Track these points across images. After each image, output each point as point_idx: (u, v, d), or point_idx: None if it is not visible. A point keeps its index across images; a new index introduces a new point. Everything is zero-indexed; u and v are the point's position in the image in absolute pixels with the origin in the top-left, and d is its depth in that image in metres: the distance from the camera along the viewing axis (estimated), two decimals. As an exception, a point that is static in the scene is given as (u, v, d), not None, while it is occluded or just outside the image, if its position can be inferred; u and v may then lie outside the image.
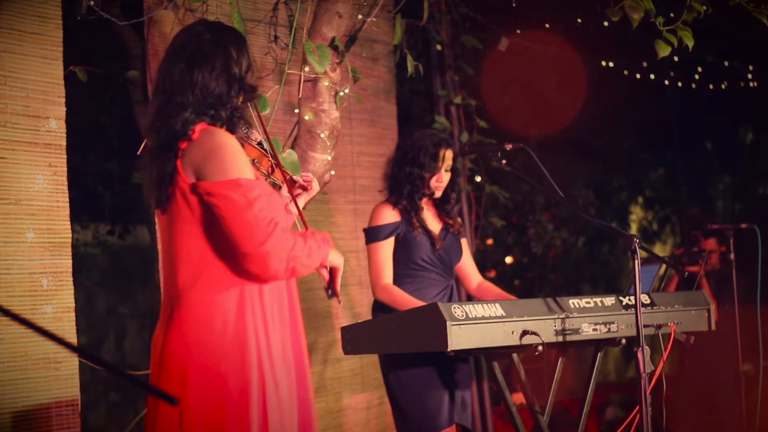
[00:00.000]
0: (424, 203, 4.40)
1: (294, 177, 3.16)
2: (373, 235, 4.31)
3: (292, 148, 4.30)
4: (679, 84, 8.11)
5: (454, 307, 3.55)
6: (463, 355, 4.02)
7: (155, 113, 2.85)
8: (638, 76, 7.82)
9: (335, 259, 2.99)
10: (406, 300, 4.17)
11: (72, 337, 3.95)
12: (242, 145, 2.87)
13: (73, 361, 3.91)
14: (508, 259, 9.36)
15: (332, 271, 3.02)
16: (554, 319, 3.74)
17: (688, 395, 6.62)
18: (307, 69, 4.28)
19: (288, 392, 2.85)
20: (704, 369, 6.56)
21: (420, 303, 4.12)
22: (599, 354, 4.03)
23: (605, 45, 7.39)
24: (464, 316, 3.54)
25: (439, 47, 6.47)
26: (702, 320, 4.19)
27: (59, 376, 3.88)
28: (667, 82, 8.06)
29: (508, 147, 4.12)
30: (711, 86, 8.23)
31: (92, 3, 4.01)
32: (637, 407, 3.57)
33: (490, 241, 8.97)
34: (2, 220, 3.77)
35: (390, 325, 3.72)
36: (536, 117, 8.45)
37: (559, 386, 4.08)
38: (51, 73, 3.95)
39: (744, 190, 11.01)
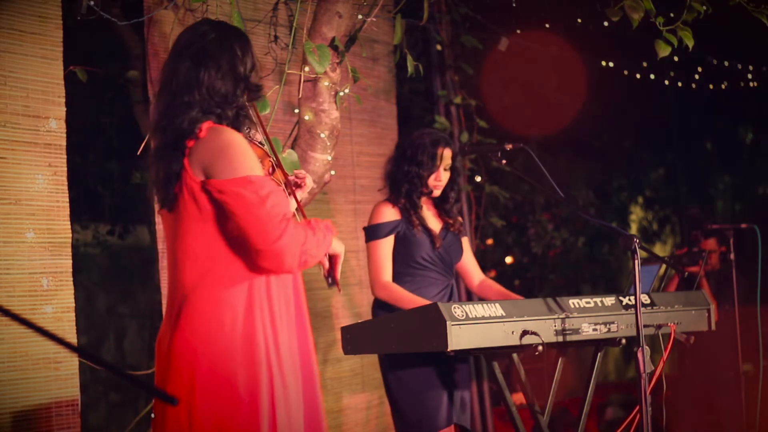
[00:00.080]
0: (424, 202, 4.40)
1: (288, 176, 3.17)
2: (372, 233, 4.31)
3: (292, 148, 4.31)
4: (679, 84, 8.11)
5: (454, 307, 3.55)
6: (463, 355, 4.02)
7: (161, 112, 2.84)
8: (638, 76, 7.82)
9: (336, 246, 2.99)
10: (405, 297, 4.17)
11: (72, 337, 3.95)
12: None
13: (73, 361, 3.91)
14: (508, 259, 9.36)
15: (332, 259, 3.02)
16: (554, 319, 3.74)
17: (688, 395, 6.62)
18: (307, 69, 4.28)
19: (295, 391, 2.85)
20: (704, 369, 6.56)
21: (419, 299, 4.13)
22: (599, 354, 4.03)
23: (605, 45, 7.39)
24: (464, 316, 3.54)
25: (439, 47, 6.47)
26: (702, 320, 4.19)
27: (59, 376, 3.88)
28: (667, 82, 8.06)
29: (508, 147, 4.12)
30: (711, 86, 8.23)
31: (92, 3, 4.01)
32: (637, 407, 3.57)
33: (490, 241, 8.97)
34: (2, 220, 3.77)
35: (390, 325, 3.72)
36: (536, 117, 8.45)
37: (559, 386, 4.08)
38: (51, 73, 3.95)
39: (744, 190, 11.01)
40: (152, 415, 2.92)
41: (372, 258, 4.30)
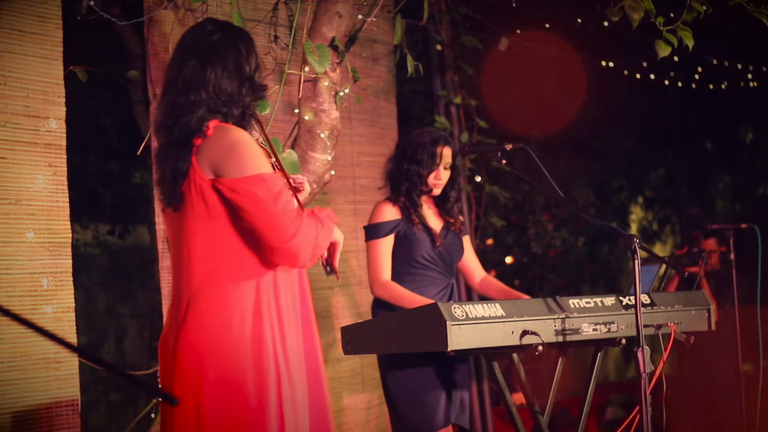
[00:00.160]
0: (425, 201, 4.40)
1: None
2: (372, 232, 4.31)
3: (292, 148, 4.30)
4: (679, 84, 8.11)
5: (454, 307, 3.55)
6: (463, 355, 4.02)
7: (166, 111, 2.84)
8: (638, 76, 7.82)
9: (336, 235, 3.00)
10: (405, 296, 4.17)
11: (72, 337, 3.95)
12: None
13: (73, 361, 3.91)
14: (508, 259, 9.37)
15: (331, 247, 3.02)
16: (554, 319, 3.74)
17: (688, 395, 6.62)
18: (307, 69, 4.28)
19: (301, 392, 2.85)
20: (704, 369, 6.56)
21: (419, 298, 4.13)
22: (599, 354, 4.03)
23: (605, 45, 7.39)
24: (464, 316, 3.54)
25: (439, 47, 6.47)
26: (702, 320, 4.19)
27: (59, 376, 3.88)
28: (667, 82, 8.06)
29: (508, 147, 4.12)
30: (711, 86, 8.23)
31: (92, 3, 4.01)
32: (637, 407, 3.57)
33: (490, 241, 8.97)
34: (2, 220, 3.76)
35: (390, 325, 3.72)
36: (536, 117, 8.45)
37: (559, 386, 4.08)
38: (51, 73, 3.95)
39: (744, 190, 11.01)
40: (152, 415, 2.93)
41: (372, 257, 4.30)
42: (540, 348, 3.61)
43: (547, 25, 6.91)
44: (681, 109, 10.13)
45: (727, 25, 5.93)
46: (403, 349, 3.73)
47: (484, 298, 4.54)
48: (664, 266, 4.58)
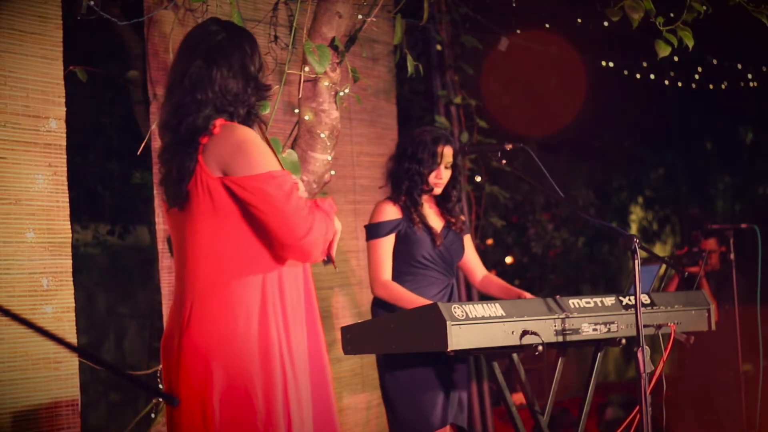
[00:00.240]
0: (427, 201, 4.40)
1: None
2: (373, 231, 4.31)
3: (292, 148, 4.30)
4: (679, 84, 8.11)
5: (454, 307, 3.55)
6: (463, 355, 4.02)
7: (171, 110, 2.83)
8: (638, 76, 7.83)
9: (335, 224, 3.00)
10: (405, 296, 4.17)
11: (72, 337, 3.95)
12: None
13: (73, 361, 3.91)
14: (508, 259, 9.37)
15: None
16: (554, 319, 3.74)
17: (688, 395, 6.62)
18: (307, 69, 4.28)
19: (305, 392, 2.85)
20: (704, 369, 6.56)
21: (419, 298, 4.13)
22: (599, 354, 4.03)
23: (605, 45, 7.40)
24: (464, 316, 3.54)
25: (439, 47, 6.47)
26: (702, 320, 4.19)
27: (59, 376, 3.88)
28: (667, 82, 8.07)
29: (508, 147, 4.11)
30: (711, 86, 8.24)
31: (92, 3, 4.01)
32: (637, 407, 3.57)
33: (490, 241, 8.97)
34: (2, 220, 3.76)
35: (390, 325, 3.72)
36: (536, 117, 8.46)
37: (559, 386, 4.08)
38: (51, 73, 3.95)
39: (744, 190, 11.02)
40: (153, 415, 2.93)
41: (372, 257, 4.30)
42: (540, 348, 3.61)
43: (547, 25, 6.91)
44: (681, 109, 10.14)
45: (727, 25, 5.93)
46: (403, 349, 3.73)
47: (484, 298, 4.54)
48: (664, 266, 4.58)
